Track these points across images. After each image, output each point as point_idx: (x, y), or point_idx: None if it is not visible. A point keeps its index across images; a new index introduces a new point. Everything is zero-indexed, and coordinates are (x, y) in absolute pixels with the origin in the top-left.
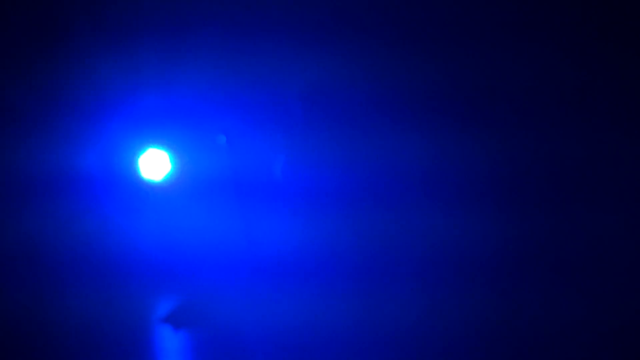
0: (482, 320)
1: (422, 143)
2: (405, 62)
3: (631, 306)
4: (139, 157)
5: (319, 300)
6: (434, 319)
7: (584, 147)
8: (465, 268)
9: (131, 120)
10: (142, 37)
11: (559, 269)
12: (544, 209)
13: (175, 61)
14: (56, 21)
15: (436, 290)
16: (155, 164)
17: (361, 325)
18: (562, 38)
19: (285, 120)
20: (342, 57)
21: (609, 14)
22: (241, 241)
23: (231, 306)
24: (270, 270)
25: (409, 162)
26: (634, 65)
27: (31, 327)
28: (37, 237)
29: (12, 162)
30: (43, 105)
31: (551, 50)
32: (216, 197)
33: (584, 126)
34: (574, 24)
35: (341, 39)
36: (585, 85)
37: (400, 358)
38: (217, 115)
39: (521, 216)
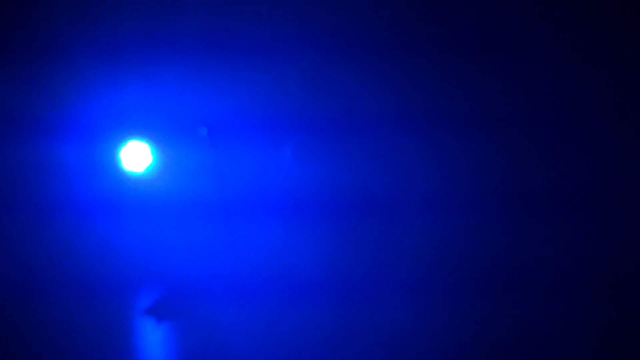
0: (482, 332)
1: (423, 150)
2: (409, 68)
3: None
4: (120, 149)
5: (306, 295)
6: (433, 328)
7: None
8: (469, 277)
9: (112, 112)
10: (124, 27)
11: (563, 280)
12: (549, 220)
13: (157, 52)
14: (36, 13)
15: (437, 299)
16: (136, 156)
17: (349, 328)
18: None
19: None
20: (330, 55)
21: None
22: (224, 233)
23: (213, 298)
24: (254, 262)
25: (409, 168)
26: None
27: (9, 324)
28: (14, 232)
29: None
30: (21, 97)
31: (561, 58)
32: (198, 189)
33: (589, 134)
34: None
35: (326, 37)
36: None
37: None
38: (199, 107)
39: (525, 226)
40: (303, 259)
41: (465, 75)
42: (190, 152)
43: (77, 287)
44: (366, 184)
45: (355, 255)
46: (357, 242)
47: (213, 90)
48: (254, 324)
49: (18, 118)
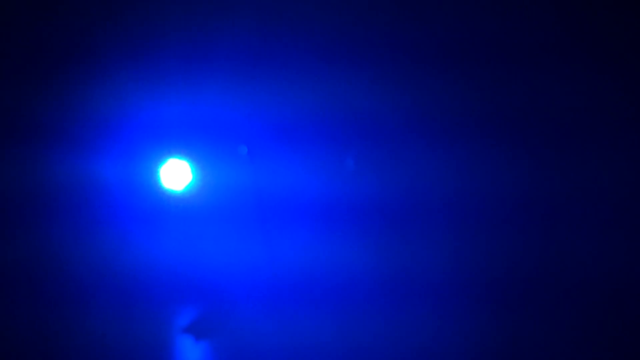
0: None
1: (436, 160)
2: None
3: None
4: (160, 167)
5: (341, 314)
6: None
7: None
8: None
9: (153, 130)
10: (164, 43)
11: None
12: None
13: (198, 70)
14: (75, 28)
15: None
16: (176, 174)
17: (382, 341)
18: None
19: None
20: (364, 70)
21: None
22: (262, 252)
23: (252, 317)
24: (291, 282)
25: (425, 178)
26: None
27: (50, 341)
28: (56, 249)
29: (31, 173)
30: (62, 114)
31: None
32: (237, 207)
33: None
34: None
35: (361, 53)
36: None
37: None
38: (239, 126)
39: (536, 231)
40: (344, 278)
41: (473, 81)
42: (230, 170)
43: (117, 304)
44: (394, 197)
45: (399, 272)
46: (395, 253)
47: (253, 108)
48: (292, 341)
49: (60, 135)
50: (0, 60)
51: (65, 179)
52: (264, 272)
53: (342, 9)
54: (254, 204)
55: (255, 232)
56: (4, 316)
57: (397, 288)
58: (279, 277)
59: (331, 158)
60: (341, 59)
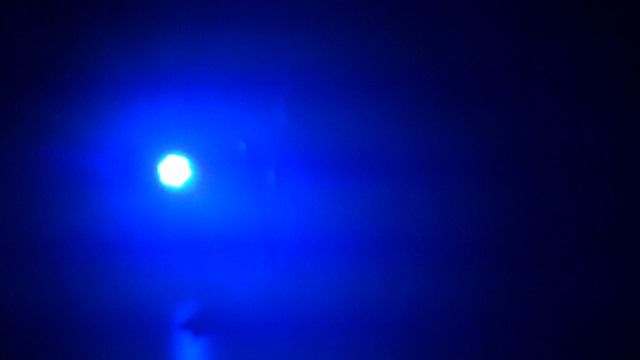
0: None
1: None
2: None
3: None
4: (158, 163)
5: (341, 307)
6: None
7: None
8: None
9: (151, 126)
10: (162, 40)
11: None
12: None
13: (197, 66)
14: (73, 23)
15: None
16: (175, 171)
17: (387, 331)
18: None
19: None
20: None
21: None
22: (262, 248)
23: (251, 313)
24: (291, 278)
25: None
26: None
27: (49, 337)
28: (53, 245)
29: (27, 168)
30: (60, 110)
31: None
32: (236, 203)
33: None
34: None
35: (360, 44)
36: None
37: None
38: (238, 122)
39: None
40: (343, 276)
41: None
42: (229, 166)
43: (114, 301)
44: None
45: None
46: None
47: (252, 105)
48: (291, 338)
49: (57, 132)
50: None
51: (63, 175)
52: (263, 269)
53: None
54: (253, 201)
55: (254, 228)
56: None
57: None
58: (280, 272)
59: (330, 153)
60: (343, 53)
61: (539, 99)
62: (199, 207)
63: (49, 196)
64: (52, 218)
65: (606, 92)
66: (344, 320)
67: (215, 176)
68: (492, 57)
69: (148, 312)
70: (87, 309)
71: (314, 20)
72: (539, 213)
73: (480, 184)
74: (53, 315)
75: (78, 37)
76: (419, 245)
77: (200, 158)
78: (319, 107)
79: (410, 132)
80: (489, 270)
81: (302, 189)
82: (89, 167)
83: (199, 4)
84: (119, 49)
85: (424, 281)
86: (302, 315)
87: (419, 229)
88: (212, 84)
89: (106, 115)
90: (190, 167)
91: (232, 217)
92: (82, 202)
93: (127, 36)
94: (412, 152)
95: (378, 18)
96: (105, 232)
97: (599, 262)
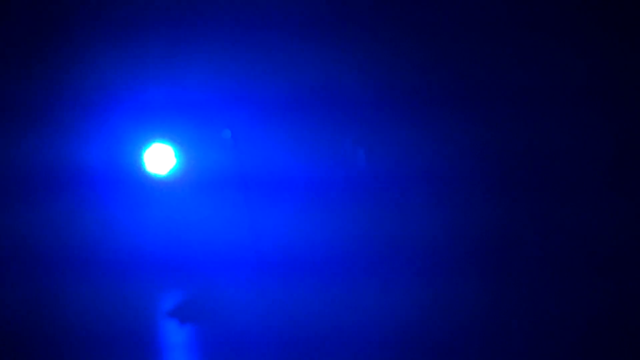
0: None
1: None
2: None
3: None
4: (143, 151)
5: (325, 296)
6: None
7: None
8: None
9: (135, 114)
10: (146, 28)
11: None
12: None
13: (180, 54)
14: (56, 13)
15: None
16: (160, 159)
17: (366, 322)
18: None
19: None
20: (346, 53)
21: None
22: (247, 236)
23: (237, 300)
24: (275, 265)
25: (409, 158)
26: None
27: (34, 326)
28: (39, 234)
29: (12, 158)
30: (44, 99)
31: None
32: (221, 191)
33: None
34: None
35: (346, 35)
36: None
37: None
38: (223, 110)
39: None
40: (329, 258)
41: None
42: (214, 154)
43: (100, 289)
44: (377, 177)
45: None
46: (373, 237)
47: (237, 92)
48: (278, 324)
49: (42, 121)
50: None
51: (49, 162)
52: (248, 255)
53: None
54: (238, 188)
55: (239, 216)
56: None
57: (383, 266)
58: (264, 260)
59: (315, 140)
60: (327, 41)
61: (539, 108)
62: (184, 195)
63: (34, 185)
64: (37, 207)
65: (616, 99)
66: (332, 305)
67: (200, 164)
68: (492, 62)
69: (133, 300)
70: (73, 297)
71: (309, 20)
72: (539, 220)
73: (480, 189)
74: (38, 301)
75: (63, 27)
76: (415, 251)
77: (185, 146)
78: (318, 106)
79: (410, 136)
80: (488, 277)
81: (289, 181)
82: (74, 154)
83: None
84: (104, 35)
85: (419, 287)
86: (288, 301)
87: (416, 236)
88: (197, 73)
89: (92, 103)
90: (175, 155)
91: (217, 204)
92: (68, 191)
93: (114, 23)
94: (411, 155)
95: (379, 24)
96: (91, 220)
97: (601, 268)
